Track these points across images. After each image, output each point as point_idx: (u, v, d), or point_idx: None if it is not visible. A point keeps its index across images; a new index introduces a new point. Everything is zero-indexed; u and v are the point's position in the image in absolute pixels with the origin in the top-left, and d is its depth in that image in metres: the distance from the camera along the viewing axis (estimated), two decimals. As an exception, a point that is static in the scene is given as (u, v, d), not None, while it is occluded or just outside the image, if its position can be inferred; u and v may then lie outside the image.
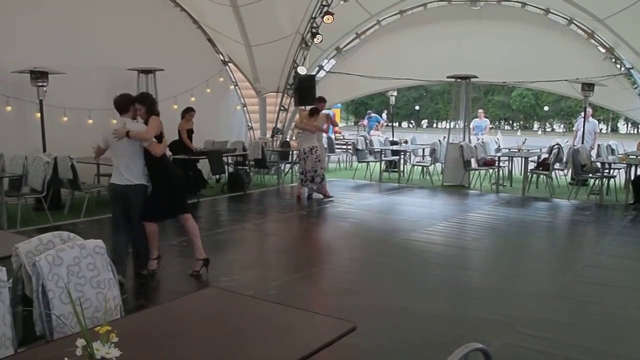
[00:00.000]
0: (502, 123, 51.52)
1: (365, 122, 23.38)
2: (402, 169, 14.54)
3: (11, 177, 8.22)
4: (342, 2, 12.41)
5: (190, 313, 2.78)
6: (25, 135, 9.56)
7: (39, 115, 9.35)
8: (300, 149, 10.68)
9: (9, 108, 9.47)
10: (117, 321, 2.63)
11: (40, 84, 9.13)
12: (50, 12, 9.86)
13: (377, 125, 21.61)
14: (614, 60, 13.47)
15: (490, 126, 21.95)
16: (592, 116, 14.33)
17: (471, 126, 15.35)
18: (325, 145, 15.97)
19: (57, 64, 9.27)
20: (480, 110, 19.20)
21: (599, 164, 11.29)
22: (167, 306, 2.95)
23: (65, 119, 10.12)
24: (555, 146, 12.11)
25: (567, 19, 13.45)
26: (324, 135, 11.81)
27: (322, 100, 11.17)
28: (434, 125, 53.62)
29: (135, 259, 5.93)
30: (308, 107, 11.58)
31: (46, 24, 9.76)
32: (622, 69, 13.42)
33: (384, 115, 34.03)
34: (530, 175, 12.42)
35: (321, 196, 10.81)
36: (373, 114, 23.24)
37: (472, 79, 13.13)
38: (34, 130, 9.37)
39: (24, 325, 2.94)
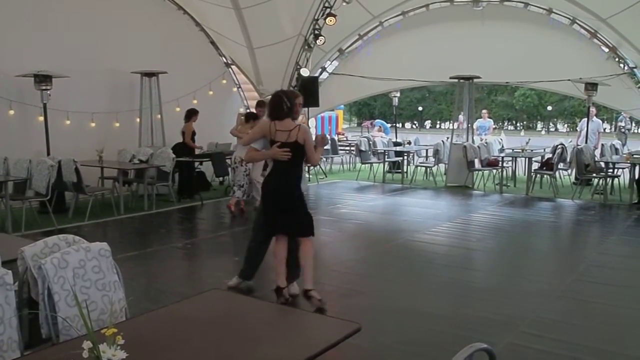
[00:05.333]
0: (506, 123, 51.43)
1: (368, 124, 24.11)
2: (405, 170, 14.53)
3: (15, 180, 8.24)
4: (344, 4, 12.41)
5: (194, 315, 2.79)
6: (29, 139, 9.59)
7: (41, 118, 9.37)
8: (232, 157, 9.62)
9: (11, 112, 9.51)
10: (122, 324, 2.64)
11: (44, 87, 9.15)
12: (54, 16, 9.91)
13: (379, 128, 22.05)
14: (617, 59, 13.44)
15: (494, 126, 21.94)
16: (596, 116, 14.31)
17: (475, 126, 15.34)
18: (328, 147, 16.01)
19: (60, 68, 9.29)
20: (484, 111, 19.18)
21: (602, 164, 11.28)
22: (171, 308, 2.96)
23: (68, 122, 10.15)
24: (559, 146, 12.09)
25: (569, 18, 13.41)
26: None
27: (260, 104, 9.30)
28: (437, 126, 53.55)
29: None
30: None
31: (49, 28, 9.80)
32: (626, 68, 13.38)
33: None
34: (534, 176, 12.40)
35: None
36: (377, 120, 24.50)
37: (475, 80, 13.13)
38: (38, 134, 9.40)
39: (30, 328, 2.95)
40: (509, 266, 6.85)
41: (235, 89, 14.19)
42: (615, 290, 5.80)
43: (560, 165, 12.14)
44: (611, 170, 11.20)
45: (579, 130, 14.53)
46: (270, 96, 5.25)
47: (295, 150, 4.92)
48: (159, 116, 11.44)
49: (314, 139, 5.26)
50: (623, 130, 18.17)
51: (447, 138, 13.74)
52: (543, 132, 47.28)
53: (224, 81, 13.65)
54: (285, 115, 4.97)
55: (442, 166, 13.90)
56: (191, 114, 10.96)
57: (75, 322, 2.79)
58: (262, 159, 5.69)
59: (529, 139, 14.70)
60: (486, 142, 13.82)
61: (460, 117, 13.68)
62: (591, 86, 12.16)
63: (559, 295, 5.56)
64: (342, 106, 30.06)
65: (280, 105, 4.98)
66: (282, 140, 4.90)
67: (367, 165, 14.55)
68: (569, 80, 12.82)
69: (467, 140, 12.92)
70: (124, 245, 7.35)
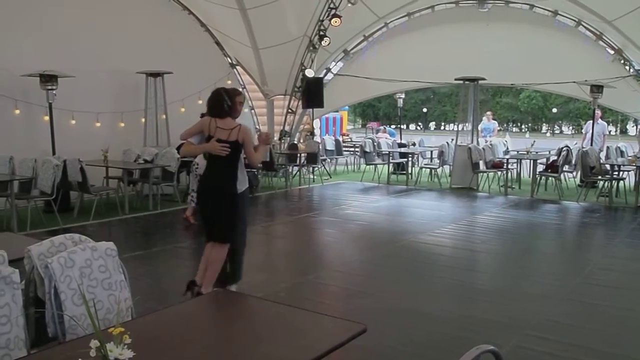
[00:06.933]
0: (511, 125, 51.40)
1: (373, 125, 24.17)
2: (410, 172, 14.52)
3: (21, 179, 8.28)
4: (349, 5, 12.41)
5: (200, 315, 2.80)
6: (34, 139, 9.62)
7: (47, 118, 9.41)
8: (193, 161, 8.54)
9: (17, 111, 9.54)
10: (128, 323, 2.65)
11: (49, 87, 9.17)
12: (59, 16, 9.93)
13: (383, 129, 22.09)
14: (622, 61, 13.41)
15: (499, 128, 21.93)
16: (601, 118, 14.26)
17: (479, 128, 15.33)
18: (333, 148, 16.03)
19: (65, 68, 9.32)
20: (488, 112, 19.15)
21: (608, 166, 11.25)
22: (177, 308, 2.96)
23: (74, 122, 10.18)
24: (564, 148, 12.05)
25: (575, 20, 13.40)
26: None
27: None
28: (442, 127, 53.57)
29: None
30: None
31: (54, 28, 9.82)
32: (631, 70, 13.35)
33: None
34: (539, 178, 12.37)
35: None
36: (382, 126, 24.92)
37: (480, 81, 13.11)
38: (43, 134, 9.43)
39: (37, 327, 2.96)
40: (514, 268, 6.84)
41: (240, 90, 14.19)
42: (620, 293, 5.79)
43: (566, 168, 12.11)
44: (616, 173, 11.17)
45: (584, 132, 14.48)
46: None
47: (233, 149, 4.88)
48: (164, 116, 11.46)
49: (257, 137, 5.26)
50: None
51: (452, 140, 13.72)
52: (548, 134, 47.26)
53: (229, 82, 13.63)
54: (226, 114, 4.93)
55: (446, 168, 13.89)
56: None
57: (81, 321, 2.80)
58: (199, 153, 5.67)
59: (534, 141, 14.64)
60: (491, 144, 13.79)
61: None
62: (597, 88, 12.12)
63: (564, 298, 5.55)
64: (347, 107, 30.03)
65: (221, 103, 4.93)
66: (222, 138, 4.87)
67: (371, 166, 14.54)
68: (574, 82, 12.79)
69: (472, 142, 12.90)
70: (129, 244, 7.36)
